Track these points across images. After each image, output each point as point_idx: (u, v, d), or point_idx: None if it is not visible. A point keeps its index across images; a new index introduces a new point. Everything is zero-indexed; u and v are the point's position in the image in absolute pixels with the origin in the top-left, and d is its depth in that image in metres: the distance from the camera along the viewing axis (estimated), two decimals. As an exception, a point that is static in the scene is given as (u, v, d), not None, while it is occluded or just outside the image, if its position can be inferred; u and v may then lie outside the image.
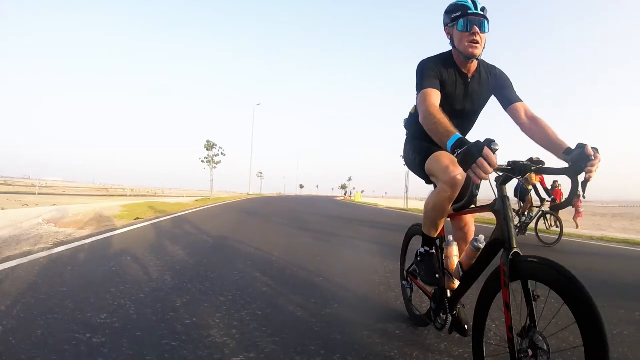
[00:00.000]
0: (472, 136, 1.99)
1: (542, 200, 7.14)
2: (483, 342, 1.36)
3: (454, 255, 1.78)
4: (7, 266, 2.96)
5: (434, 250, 1.89)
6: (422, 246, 1.91)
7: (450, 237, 1.85)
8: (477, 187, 1.31)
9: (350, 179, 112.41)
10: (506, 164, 1.35)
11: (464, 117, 1.88)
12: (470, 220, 1.89)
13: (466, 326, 1.65)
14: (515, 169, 1.35)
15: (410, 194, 24.52)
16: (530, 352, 1.16)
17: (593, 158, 1.30)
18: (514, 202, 7.10)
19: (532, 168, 1.36)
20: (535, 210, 7.08)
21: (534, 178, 7.01)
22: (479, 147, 1.14)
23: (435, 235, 1.89)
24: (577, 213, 12.48)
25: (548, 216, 7.04)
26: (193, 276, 2.98)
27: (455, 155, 1.22)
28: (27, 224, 5.53)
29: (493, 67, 1.89)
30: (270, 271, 3.28)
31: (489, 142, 1.15)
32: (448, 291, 1.75)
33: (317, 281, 3.02)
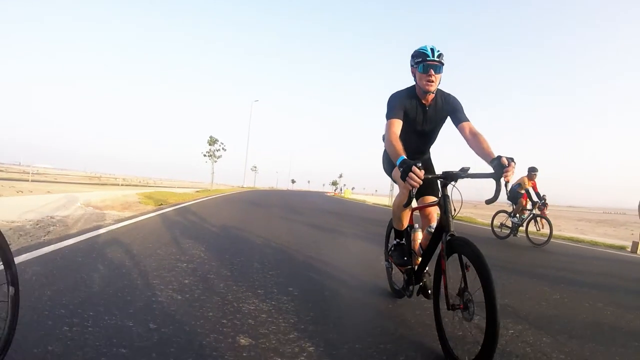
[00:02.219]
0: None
1: (534, 203, 7.39)
2: (439, 301, 1.79)
3: (419, 239, 2.34)
4: (96, 233, 4.22)
5: (403, 241, 2.41)
6: (395, 238, 2.45)
7: (417, 225, 2.39)
8: (412, 192, 1.73)
9: (341, 176, 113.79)
10: (441, 173, 1.87)
11: (424, 136, 2.35)
12: (432, 212, 2.23)
13: (429, 291, 2.07)
14: (447, 176, 1.84)
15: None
16: (461, 305, 1.61)
17: (507, 165, 1.69)
18: (508, 205, 7.81)
19: (462, 175, 1.81)
20: (527, 213, 7.37)
21: (527, 183, 7.44)
22: (409, 166, 1.63)
23: (403, 228, 2.38)
24: (498, 213, 13.69)
25: (539, 219, 7.30)
26: (232, 242, 4.32)
27: (400, 171, 1.69)
28: (73, 207, 6.72)
29: (448, 95, 2.28)
30: (285, 238, 4.62)
31: (415, 163, 1.63)
32: (416, 266, 2.21)
33: (311, 247, 4.37)
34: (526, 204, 7.41)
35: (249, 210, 9.69)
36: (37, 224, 4.59)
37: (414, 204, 2.23)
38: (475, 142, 2.02)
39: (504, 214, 7.78)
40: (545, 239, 6.70)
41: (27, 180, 24.34)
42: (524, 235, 7.17)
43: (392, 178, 2.51)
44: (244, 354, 1.58)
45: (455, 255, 1.69)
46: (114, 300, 2.08)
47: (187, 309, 2.05)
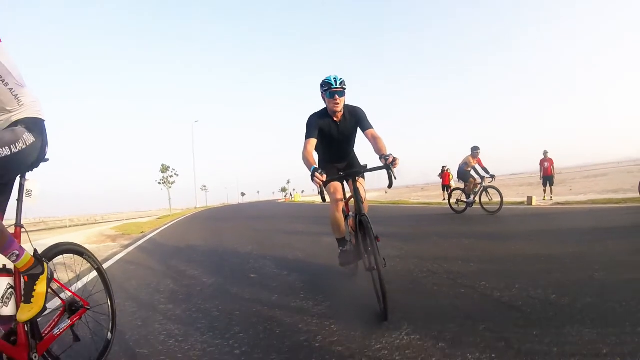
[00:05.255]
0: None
1: (482, 177, 7.93)
2: (376, 266, 2.09)
3: (351, 223, 2.78)
4: (125, 252, 5.73)
5: (345, 248, 2.84)
6: (339, 247, 2.87)
7: (351, 213, 2.82)
8: (321, 190, 2.25)
9: (289, 182, 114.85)
10: (343, 173, 2.54)
11: (341, 144, 2.84)
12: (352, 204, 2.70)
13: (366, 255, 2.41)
14: (347, 175, 2.51)
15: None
16: (374, 267, 2.09)
17: (387, 158, 2.25)
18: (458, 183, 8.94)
19: (360, 171, 2.50)
20: (478, 186, 7.94)
21: (472, 161, 8.04)
22: (313, 172, 2.15)
23: (342, 236, 2.82)
24: (453, 190, 16.15)
25: (489, 190, 7.89)
26: (217, 243, 6.06)
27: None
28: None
29: (354, 107, 2.72)
30: (252, 235, 6.44)
31: (317, 169, 2.16)
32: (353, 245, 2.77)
33: (274, 238, 6.27)
34: (475, 180, 8.02)
35: (215, 225, 11.25)
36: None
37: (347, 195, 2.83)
38: (375, 144, 2.53)
39: (459, 191, 8.42)
40: (498, 206, 7.45)
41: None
42: (479, 207, 7.98)
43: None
44: (253, 280, 3.44)
45: (367, 229, 2.19)
46: (179, 278, 3.84)
47: (218, 269, 3.89)
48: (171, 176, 26.08)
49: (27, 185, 1.63)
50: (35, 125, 1.60)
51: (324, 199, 2.37)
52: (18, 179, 1.61)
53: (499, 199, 7.53)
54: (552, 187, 12.35)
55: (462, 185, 8.42)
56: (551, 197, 11.95)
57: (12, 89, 1.51)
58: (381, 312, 2.08)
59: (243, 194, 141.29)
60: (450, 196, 8.80)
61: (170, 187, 26.01)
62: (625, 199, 8.38)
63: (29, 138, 1.54)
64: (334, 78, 2.58)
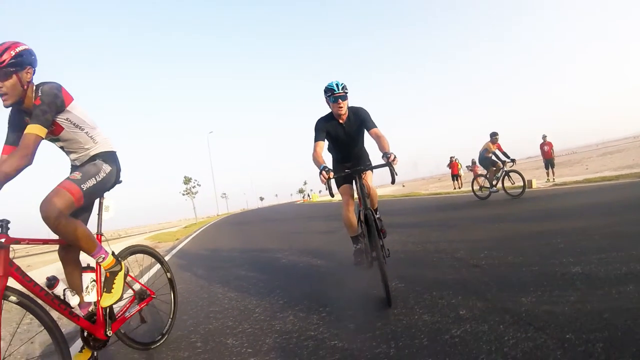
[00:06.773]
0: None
1: (504, 162, 7.94)
2: (382, 257, 2.29)
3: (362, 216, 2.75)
4: (179, 248, 6.74)
5: (359, 246, 2.90)
6: (353, 245, 2.97)
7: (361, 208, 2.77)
8: (328, 187, 2.39)
9: (305, 183, 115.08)
10: (349, 170, 2.60)
11: (349, 144, 2.96)
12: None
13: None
14: (353, 172, 2.56)
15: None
16: (388, 252, 2.46)
17: (389, 156, 2.35)
18: (481, 170, 8.63)
19: (364, 168, 2.58)
20: (500, 171, 7.95)
21: (492, 147, 8.09)
22: (320, 170, 2.37)
23: (356, 234, 2.88)
24: (477, 177, 15.89)
25: (511, 174, 7.90)
26: (248, 240, 7.01)
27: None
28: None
29: (357, 108, 2.85)
30: (276, 235, 7.37)
31: (324, 168, 2.37)
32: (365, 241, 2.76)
33: (293, 238, 7.18)
34: (497, 164, 8.07)
35: (241, 229, 12.28)
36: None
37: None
38: (378, 142, 2.63)
39: (482, 178, 8.48)
40: (520, 190, 7.56)
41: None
42: (502, 191, 8.04)
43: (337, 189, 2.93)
44: (285, 264, 4.34)
45: (371, 223, 2.38)
46: (225, 268, 4.78)
47: (255, 260, 4.81)
48: (194, 187, 27.43)
49: (105, 203, 2.00)
50: (110, 157, 1.99)
51: (332, 194, 2.48)
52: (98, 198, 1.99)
53: (522, 183, 7.66)
54: (554, 169, 12.67)
55: (472, 174, 8.82)
56: (553, 179, 12.18)
57: (87, 132, 1.89)
58: (386, 300, 2.30)
59: (262, 198, 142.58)
60: (472, 183, 8.91)
61: (194, 197, 27.38)
62: (618, 176, 8.87)
63: (107, 168, 1.92)
64: (336, 84, 2.72)
